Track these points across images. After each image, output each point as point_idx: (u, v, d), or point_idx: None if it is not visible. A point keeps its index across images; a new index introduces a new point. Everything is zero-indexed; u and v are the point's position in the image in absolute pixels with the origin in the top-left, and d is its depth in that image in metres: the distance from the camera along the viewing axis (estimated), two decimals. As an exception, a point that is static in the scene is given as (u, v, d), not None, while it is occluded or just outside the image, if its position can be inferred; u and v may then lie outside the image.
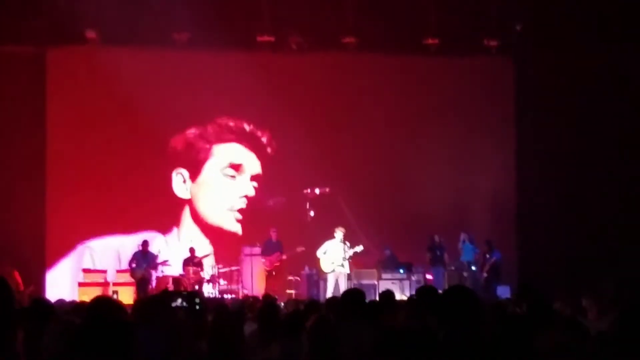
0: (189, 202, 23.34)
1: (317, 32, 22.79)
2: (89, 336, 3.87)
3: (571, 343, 5.99)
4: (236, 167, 23.48)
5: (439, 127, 23.74)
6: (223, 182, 23.44)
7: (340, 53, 23.22)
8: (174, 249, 22.65)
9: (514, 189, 24.17)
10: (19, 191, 21.88)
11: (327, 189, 22.83)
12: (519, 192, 24.09)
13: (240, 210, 23.37)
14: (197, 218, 23.33)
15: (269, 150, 23.58)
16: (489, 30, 23.16)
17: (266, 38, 22.78)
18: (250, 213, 23.30)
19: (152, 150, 22.81)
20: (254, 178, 23.53)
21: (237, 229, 23.35)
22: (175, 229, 23.22)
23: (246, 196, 23.40)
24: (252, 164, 23.58)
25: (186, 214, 23.36)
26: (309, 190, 22.69)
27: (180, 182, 23.26)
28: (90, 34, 22.07)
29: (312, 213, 22.38)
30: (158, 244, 22.40)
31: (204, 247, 22.69)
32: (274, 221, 22.45)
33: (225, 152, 23.55)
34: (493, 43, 23.37)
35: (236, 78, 22.64)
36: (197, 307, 7.35)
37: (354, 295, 7.51)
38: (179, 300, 7.33)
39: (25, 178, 22.12)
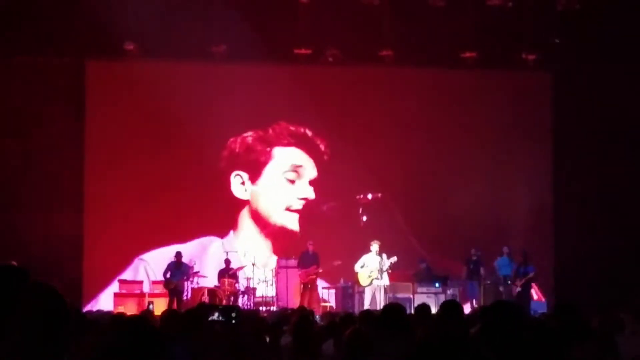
0: (248, 203, 23.49)
1: (354, 45, 22.83)
2: (121, 351, 3.90)
3: (604, 357, 5.95)
4: (297, 169, 23.60)
5: (476, 140, 23.71)
6: (283, 184, 23.57)
7: (378, 66, 23.28)
8: (232, 250, 22.71)
9: (552, 202, 24.01)
10: (58, 202, 22.06)
11: (379, 195, 23.11)
12: (557, 206, 23.93)
13: (297, 211, 23.50)
14: (257, 218, 23.49)
15: (326, 157, 23.69)
16: (527, 44, 23.13)
17: (303, 51, 22.89)
18: (306, 217, 23.47)
19: (195, 158, 22.87)
20: (312, 183, 23.65)
21: (296, 227, 23.44)
22: (232, 232, 23.34)
23: (305, 199, 23.53)
24: (311, 169, 23.69)
25: (244, 216, 23.50)
26: (361, 196, 22.93)
27: (238, 184, 23.43)
28: (129, 46, 22.30)
29: (364, 218, 22.62)
30: (216, 248, 22.82)
31: (262, 247, 23.11)
32: (327, 225, 22.85)
33: (287, 155, 23.72)
34: (531, 57, 23.35)
35: (273, 90, 22.88)
36: (234, 321, 7.37)
37: (394, 310, 7.46)
38: (216, 314, 7.35)
39: (65, 187, 22.31)
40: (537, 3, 22.68)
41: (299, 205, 23.48)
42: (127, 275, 22.34)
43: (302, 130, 23.65)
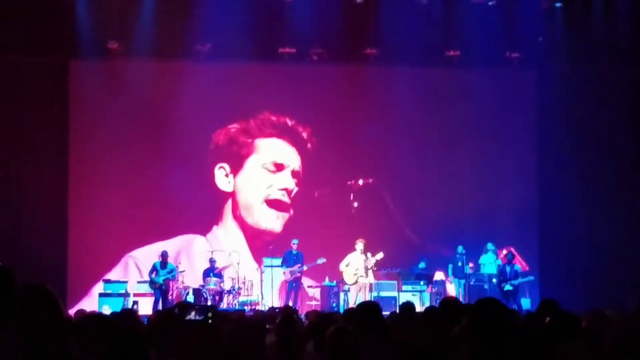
0: (232, 195, 23.51)
1: (338, 44, 22.79)
2: (108, 350, 3.87)
3: (592, 355, 5.94)
4: (277, 165, 23.61)
5: (460, 138, 23.73)
6: (264, 175, 23.59)
7: (362, 64, 23.31)
8: (217, 247, 22.83)
9: (537, 200, 24.05)
10: (42, 202, 21.95)
11: (370, 180, 23.21)
12: (541, 203, 23.96)
13: (277, 206, 23.44)
14: (239, 211, 23.51)
15: (309, 145, 23.70)
16: (511, 42, 23.18)
17: (287, 50, 22.89)
18: (295, 205, 23.53)
19: (180, 154, 22.83)
20: (294, 173, 23.65)
21: (276, 226, 23.46)
22: (214, 227, 23.35)
23: (286, 189, 23.51)
24: (294, 160, 23.72)
25: (228, 209, 23.54)
26: (352, 182, 23.11)
27: (222, 176, 23.44)
28: (113, 45, 22.24)
29: (355, 204, 22.91)
30: (200, 244, 22.91)
31: (243, 242, 23.18)
32: (318, 214, 23.04)
33: (268, 147, 23.72)
34: (515, 55, 23.42)
35: (258, 84, 23.08)
36: (210, 320, 7.31)
37: (369, 308, 7.44)
38: (193, 313, 7.30)
39: (49, 187, 22.18)
40: (520, 1, 22.72)
41: (279, 195, 23.44)
42: (117, 271, 22.32)
43: (284, 119, 23.66)
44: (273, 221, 23.46)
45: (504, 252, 22.72)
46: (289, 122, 23.63)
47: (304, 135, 23.66)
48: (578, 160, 23.08)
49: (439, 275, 22.51)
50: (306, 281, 22.29)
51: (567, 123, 23.25)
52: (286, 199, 23.50)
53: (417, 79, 23.52)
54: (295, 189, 23.55)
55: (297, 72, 23.34)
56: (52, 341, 3.62)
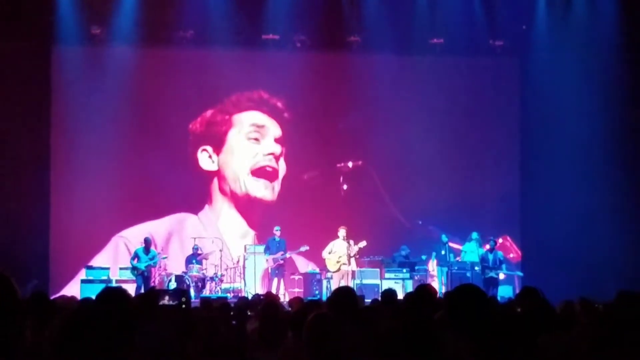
0: (217, 174, 23.53)
1: (321, 31, 22.78)
2: (90, 326, 3.85)
3: (571, 344, 5.98)
4: (259, 128, 23.59)
5: (443, 127, 23.72)
6: (248, 145, 23.62)
7: (345, 52, 23.31)
8: (209, 225, 22.97)
9: (519, 189, 24.13)
10: (24, 188, 21.86)
11: (360, 162, 23.31)
12: (523, 193, 24.04)
13: (264, 173, 23.46)
14: (226, 188, 23.54)
15: (286, 115, 23.70)
16: (495, 31, 23.22)
17: (271, 36, 22.87)
18: (285, 189, 23.59)
19: (164, 139, 22.88)
20: (277, 140, 23.66)
21: (266, 194, 23.51)
22: (207, 206, 23.42)
23: (272, 154, 23.54)
24: (274, 127, 23.70)
25: (215, 188, 23.53)
26: (342, 164, 23.35)
27: (206, 158, 23.45)
28: (96, 30, 22.16)
29: (345, 187, 23.23)
30: (192, 223, 22.99)
31: (235, 220, 23.34)
32: (307, 195, 23.17)
33: (247, 118, 23.70)
34: (499, 43, 23.47)
35: (241, 73, 23.06)
36: (184, 305, 7.33)
37: (342, 293, 7.45)
38: (167, 298, 7.31)
39: (30, 174, 22.08)
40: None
41: (266, 161, 23.45)
42: (107, 253, 22.30)
43: (257, 93, 23.64)
44: (262, 190, 23.48)
45: (500, 240, 22.93)
46: (264, 95, 23.65)
47: (279, 105, 23.66)
48: (561, 149, 23.11)
49: (431, 266, 22.60)
50: (289, 268, 22.21)
51: (550, 111, 23.27)
52: (274, 164, 23.53)
53: (401, 66, 23.54)
54: (282, 153, 23.57)
55: (281, 58, 23.29)
56: (4, 323, 3.62)
